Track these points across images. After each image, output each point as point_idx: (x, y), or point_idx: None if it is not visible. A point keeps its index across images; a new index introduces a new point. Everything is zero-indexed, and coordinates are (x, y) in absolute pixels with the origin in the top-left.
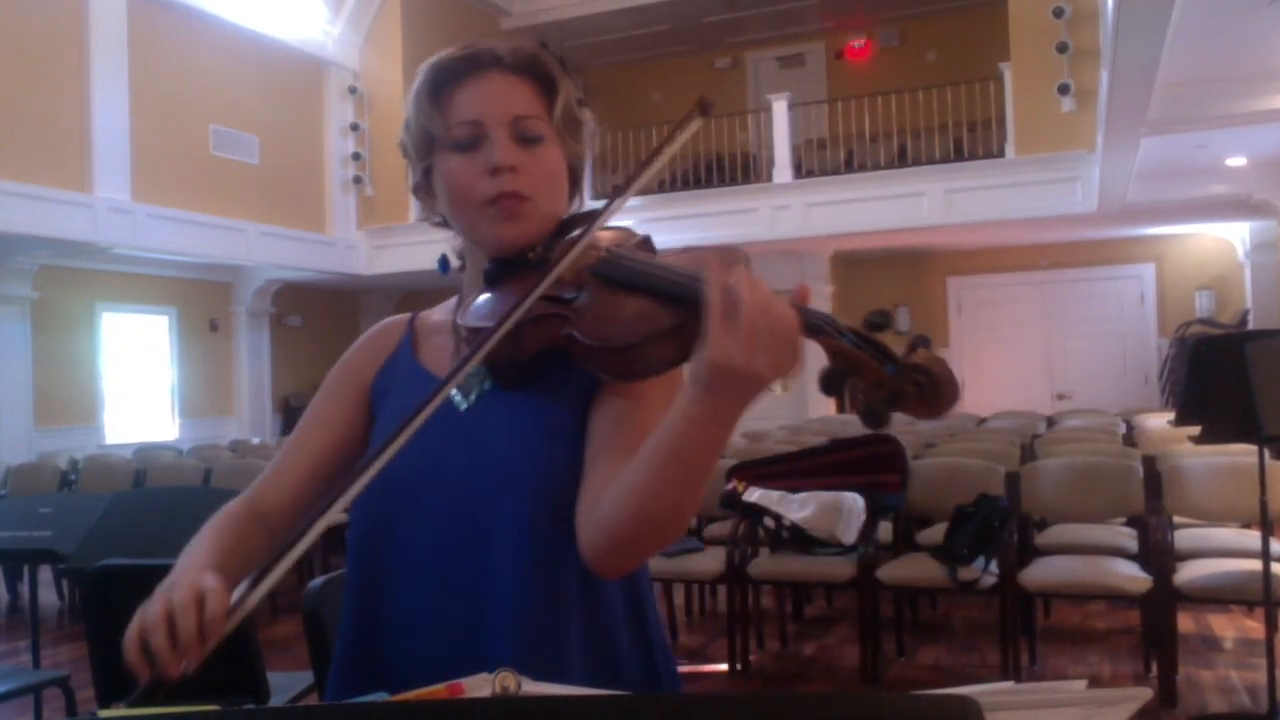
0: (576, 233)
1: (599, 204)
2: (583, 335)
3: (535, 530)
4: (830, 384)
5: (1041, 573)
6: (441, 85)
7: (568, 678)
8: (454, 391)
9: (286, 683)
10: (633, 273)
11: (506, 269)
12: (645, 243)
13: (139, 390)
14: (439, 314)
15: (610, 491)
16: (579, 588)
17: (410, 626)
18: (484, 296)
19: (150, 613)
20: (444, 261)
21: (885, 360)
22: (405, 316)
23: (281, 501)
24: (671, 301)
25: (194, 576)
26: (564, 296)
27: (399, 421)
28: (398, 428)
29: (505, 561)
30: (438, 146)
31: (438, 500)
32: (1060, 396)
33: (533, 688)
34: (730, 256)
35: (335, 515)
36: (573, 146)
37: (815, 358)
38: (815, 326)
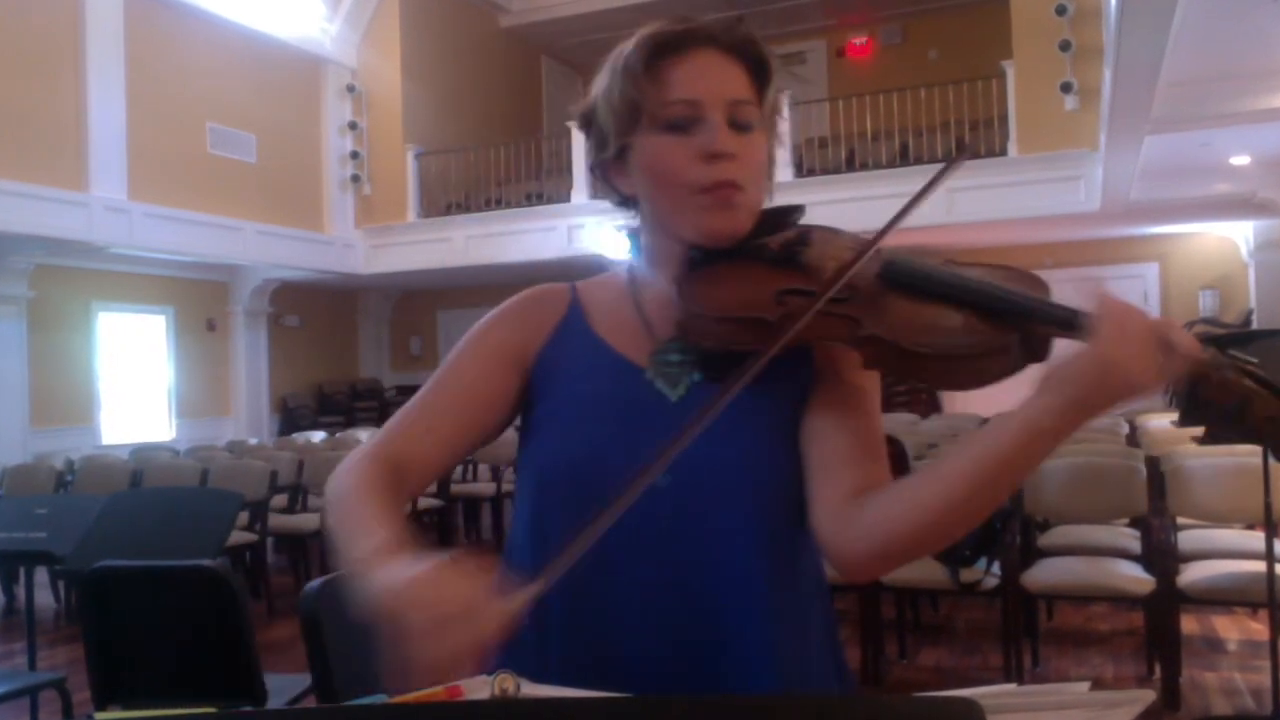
0: (850, 239)
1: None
2: (906, 342)
3: (771, 532)
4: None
5: (1044, 574)
6: (655, 59)
7: (792, 681)
8: (658, 381)
9: (284, 685)
10: (948, 285)
11: (715, 256)
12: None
13: (135, 390)
14: (604, 290)
15: (906, 497)
16: (813, 593)
17: (637, 630)
18: (701, 281)
19: (424, 618)
20: (636, 245)
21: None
22: (562, 286)
23: (425, 463)
24: (993, 315)
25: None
26: (838, 297)
27: (593, 404)
28: (646, 463)
29: (742, 566)
30: (643, 124)
31: (655, 500)
32: None
33: (532, 690)
34: (1040, 282)
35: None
36: (773, 136)
37: None
38: (1218, 363)
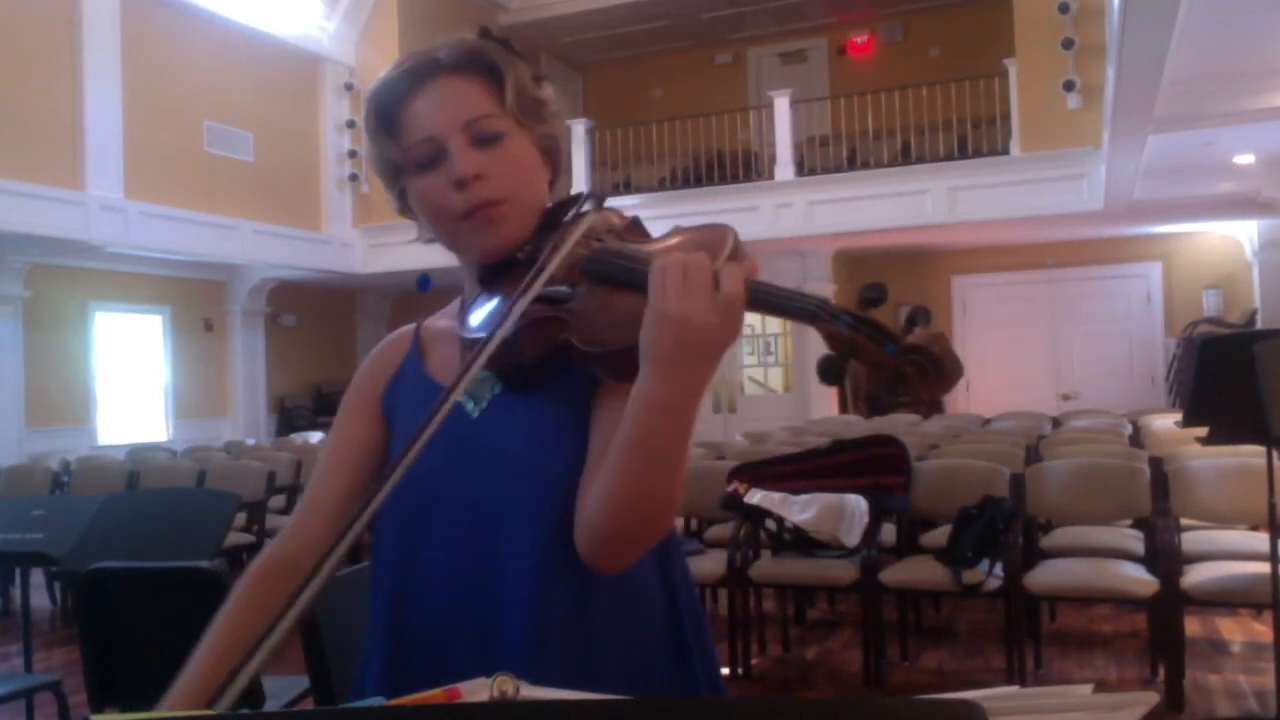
0: (547, 248)
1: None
2: (580, 340)
3: (551, 531)
4: (829, 371)
5: (1047, 575)
6: (389, 108)
7: (600, 684)
8: (464, 400)
9: (282, 687)
10: (620, 269)
11: (500, 270)
12: (635, 224)
13: (132, 391)
14: (443, 321)
15: (592, 489)
16: (608, 589)
17: (438, 634)
18: (483, 302)
19: None
20: (424, 280)
21: (883, 341)
22: (410, 328)
23: (315, 538)
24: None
25: None
26: (559, 295)
27: (409, 436)
28: (405, 447)
29: (520, 563)
30: (404, 170)
31: (454, 508)
32: (1066, 397)
33: (531, 692)
34: (719, 235)
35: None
36: (539, 129)
37: (815, 348)
38: (761, 296)
